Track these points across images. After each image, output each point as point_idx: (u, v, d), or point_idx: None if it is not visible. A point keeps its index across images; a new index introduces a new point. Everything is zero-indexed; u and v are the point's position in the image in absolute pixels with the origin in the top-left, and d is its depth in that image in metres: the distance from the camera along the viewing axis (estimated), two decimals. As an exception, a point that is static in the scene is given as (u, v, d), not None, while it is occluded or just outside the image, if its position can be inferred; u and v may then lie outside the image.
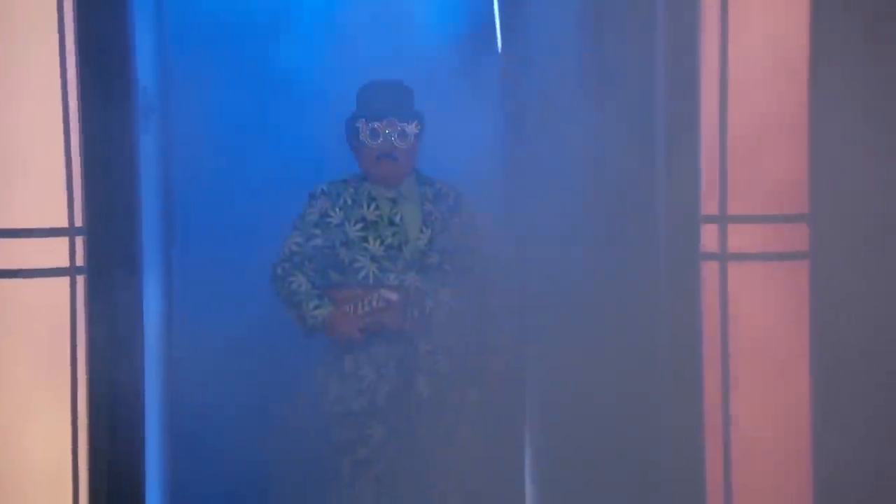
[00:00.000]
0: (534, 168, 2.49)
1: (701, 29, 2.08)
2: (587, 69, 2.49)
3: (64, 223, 2.02)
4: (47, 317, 2.03)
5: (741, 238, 2.05)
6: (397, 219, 2.56)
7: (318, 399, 2.59)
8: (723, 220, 2.05)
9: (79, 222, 2.03)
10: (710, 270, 2.05)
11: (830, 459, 2.00)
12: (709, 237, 2.05)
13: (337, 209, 2.56)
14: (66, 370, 2.04)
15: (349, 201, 2.56)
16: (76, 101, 2.02)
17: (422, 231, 2.57)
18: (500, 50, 2.88)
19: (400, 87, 2.61)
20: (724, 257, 2.04)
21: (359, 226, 2.54)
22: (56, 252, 2.04)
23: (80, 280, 2.09)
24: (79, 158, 2.03)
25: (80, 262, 2.08)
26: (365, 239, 2.54)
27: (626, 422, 2.24)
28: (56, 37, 2.01)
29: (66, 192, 1.99)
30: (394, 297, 2.50)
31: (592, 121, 2.42)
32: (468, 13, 3.00)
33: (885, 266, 2.12)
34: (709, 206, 2.07)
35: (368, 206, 2.56)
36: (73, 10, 2.03)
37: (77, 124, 2.03)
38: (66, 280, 2.06)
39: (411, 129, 2.53)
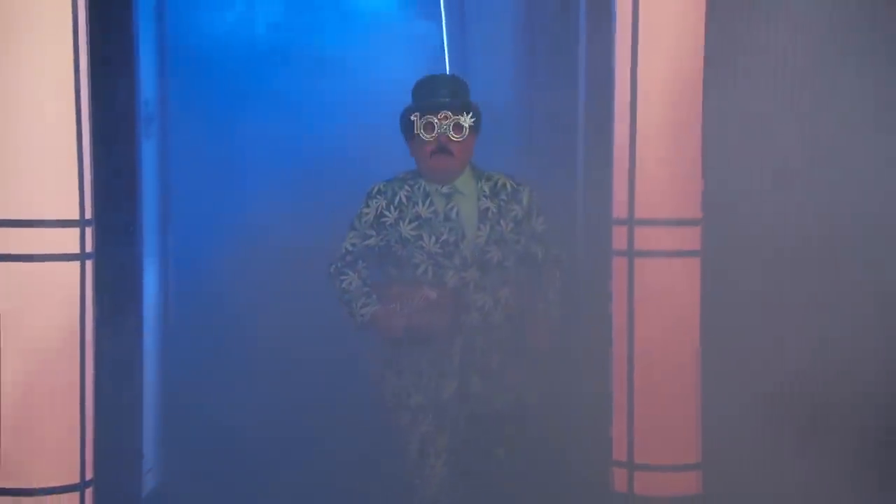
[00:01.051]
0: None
1: (615, 51, 2.35)
2: (519, 84, 2.82)
3: (75, 216, 2.30)
4: (59, 295, 2.29)
5: (646, 238, 2.31)
6: (453, 214, 2.44)
7: (377, 389, 2.54)
8: (630, 222, 2.32)
9: (88, 215, 2.31)
10: (619, 264, 2.33)
11: (716, 409, 2.31)
12: (618, 238, 2.32)
13: (392, 208, 2.46)
14: (76, 341, 2.32)
15: (404, 199, 2.45)
16: (87, 112, 2.31)
17: (479, 228, 2.43)
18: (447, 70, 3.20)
19: (455, 79, 2.55)
20: (630, 254, 2.31)
21: (413, 224, 2.43)
22: (68, 240, 2.32)
23: (89, 264, 2.37)
24: (89, 161, 2.32)
25: (88, 249, 2.36)
26: (419, 237, 2.43)
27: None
28: (71, 55, 2.28)
29: (77, 189, 2.27)
30: (433, 295, 2.39)
31: (525, 132, 2.77)
32: (423, 40, 3.35)
33: (767, 263, 2.42)
34: (619, 210, 2.33)
35: (423, 203, 2.44)
36: (86, 34, 2.31)
37: (88, 133, 2.32)
38: (76, 264, 2.34)
39: (466, 120, 2.39)
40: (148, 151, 3.01)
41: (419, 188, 2.45)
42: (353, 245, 2.48)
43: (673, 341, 2.29)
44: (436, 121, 2.38)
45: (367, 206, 2.48)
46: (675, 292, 2.34)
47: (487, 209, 2.45)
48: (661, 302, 2.32)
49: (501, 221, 2.45)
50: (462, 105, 2.41)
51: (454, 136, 2.39)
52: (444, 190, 2.45)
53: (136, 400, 2.69)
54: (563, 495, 2.67)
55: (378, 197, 2.47)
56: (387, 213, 2.45)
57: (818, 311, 2.41)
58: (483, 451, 2.49)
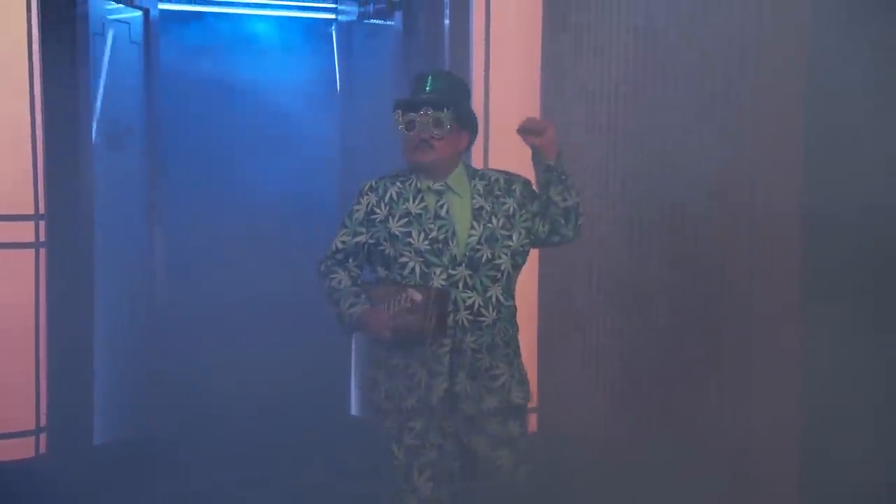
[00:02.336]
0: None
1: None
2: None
3: (31, 211, 2.77)
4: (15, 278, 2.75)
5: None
6: (443, 212, 2.26)
7: (368, 391, 2.37)
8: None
9: (42, 211, 2.79)
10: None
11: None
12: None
13: (382, 205, 2.28)
14: (31, 315, 2.80)
15: (395, 196, 2.28)
16: (41, 134, 2.79)
17: (472, 227, 2.26)
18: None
19: (445, 76, 2.40)
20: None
21: (402, 221, 2.26)
22: (24, 232, 2.79)
23: (42, 251, 2.84)
24: (42, 170, 2.80)
25: (42, 238, 2.83)
26: (408, 234, 2.24)
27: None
28: (27, 75, 2.76)
29: (32, 188, 2.75)
30: (418, 297, 2.18)
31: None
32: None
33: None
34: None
35: (414, 200, 2.27)
36: (41, 66, 2.82)
37: (41, 148, 2.80)
38: (31, 251, 2.81)
39: (446, 116, 2.23)
40: (128, 158, 3.52)
41: (410, 185, 2.28)
42: (344, 243, 2.31)
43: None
44: (416, 117, 2.23)
45: (359, 202, 2.31)
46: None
47: (481, 208, 2.27)
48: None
49: (493, 219, 2.27)
50: (443, 101, 2.24)
51: (435, 132, 2.23)
52: (437, 187, 2.27)
53: (87, 362, 3.14)
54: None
55: (369, 194, 2.30)
56: (377, 209, 2.28)
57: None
58: (485, 459, 2.29)
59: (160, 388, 3.65)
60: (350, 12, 3.70)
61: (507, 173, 2.34)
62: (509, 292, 2.29)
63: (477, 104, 2.85)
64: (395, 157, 3.20)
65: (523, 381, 2.32)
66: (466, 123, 2.29)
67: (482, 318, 2.25)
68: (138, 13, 3.55)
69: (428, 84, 2.29)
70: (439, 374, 2.24)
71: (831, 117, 2.76)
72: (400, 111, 2.25)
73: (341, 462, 3.48)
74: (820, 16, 2.78)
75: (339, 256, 2.32)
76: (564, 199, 2.30)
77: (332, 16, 4.06)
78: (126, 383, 3.51)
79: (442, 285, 2.21)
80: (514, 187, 2.31)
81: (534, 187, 2.32)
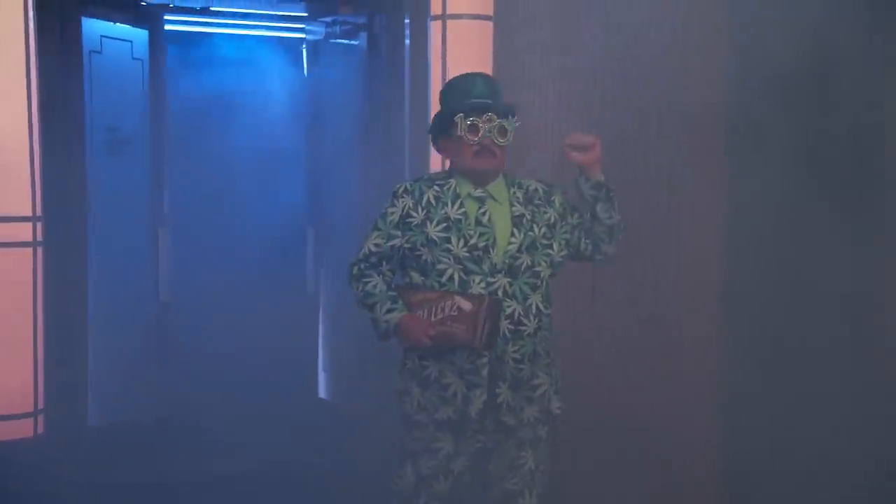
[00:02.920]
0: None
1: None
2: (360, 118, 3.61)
3: (29, 213, 3.05)
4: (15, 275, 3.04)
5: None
6: (485, 219, 2.17)
7: (399, 402, 2.24)
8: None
9: (39, 213, 3.07)
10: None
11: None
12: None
13: (420, 208, 2.18)
14: (30, 308, 3.09)
15: (432, 200, 2.18)
16: (38, 142, 3.05)
17: (513, 234, 2.17)
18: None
19: (495, 80, 2.34)
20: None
21: (441, 226, 2.15)
22: (24, 231, 3.05)
23: (40, 250, 3.10)
24: (39, 175, 3.06)
25: (39, 238, 3.09)
26: (447, 240, 2.14)
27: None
28: (24, 85, 3.02)
29: (30, 192, 3.05)
30: (468, 306, 2.07)
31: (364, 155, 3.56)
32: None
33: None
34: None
35: (453, 205, 2.18)
36: (37, 76, 3.07)
37: (39, 155, 3.07)
38: (30, 249, 3.07)
39: (510, 125, 2.18)
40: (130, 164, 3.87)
41: (449, 189, 2.20)
42: (377, 246, 2.21)
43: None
44: (480, 123, 2.16)
45: (393, 205, 2.21)
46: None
47: (522, 216, 2.20)
48: None
49: (535, 227, 2.19)
50: (507, 108, 2.20)
51: (499, 140, 2.18)
52: (477, 193, 2.20)
53: (82, 351, 3.42)
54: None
55: (405, 196, 2.20)
56: (413, 213, 2.18)
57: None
58: (508, 459, 2.22)
59: (153, 376, 3.94)
60: (318, 32, 3.99)
61: (544, 183, 2.30)
62: (548, 300, 2.22)
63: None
64: (359, 166, 3.49)
65: (560, 391, 2.25)
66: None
67: (523, 328, 2.16)
68: (142, 32, 3.89)
69: (483, 88, 2.20)
70: (478, 385, 2.15)
71: (750, 110, 3.05)
72: (462, 115, 2.16)
73: (312, 441, 3.77)
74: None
75: (373, 260, 2.22)
76: (610, 217, 2.26)
77: (302, 35, 4.40)
78: (119, 371, 3.78)
79: (481, 293, 2.12)
80: (553, 198, 2.26)
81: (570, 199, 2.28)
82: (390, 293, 2.20)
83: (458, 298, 2.10)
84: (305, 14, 4.21)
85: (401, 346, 2.23)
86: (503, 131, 2.19)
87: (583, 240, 2.29)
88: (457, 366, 2.16)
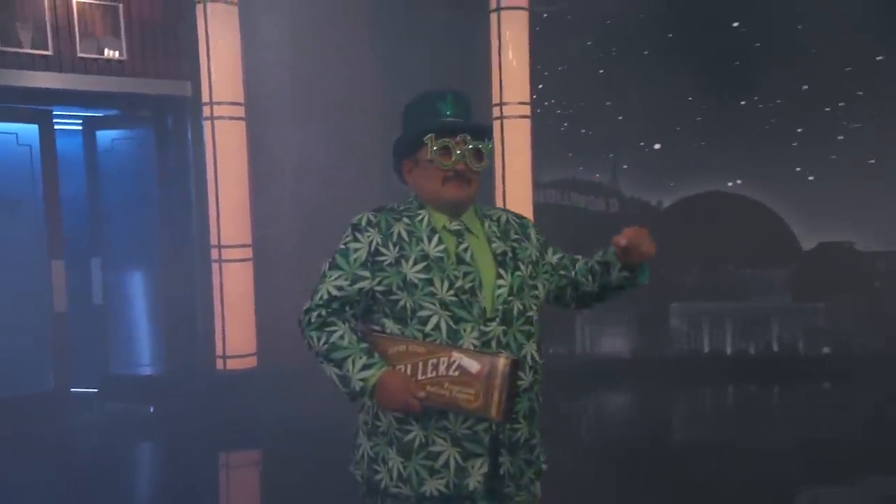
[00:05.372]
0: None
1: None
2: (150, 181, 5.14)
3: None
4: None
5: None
6: (467, 256, 1.79)
7: (369, 471, 1.81)
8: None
9: None
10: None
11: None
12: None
13: (390, 244, 1.78)
14: None
15: (405, 235, 1.79)
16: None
17: (500, 276, 1.80)
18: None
19: (466, 97, 1.90)
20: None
21: (420, 266, 1.76)
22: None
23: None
24: None
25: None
26: (429, 282, 1.75)
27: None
28: None
29: None
30: (474, 366, 1.63)
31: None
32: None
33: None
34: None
35: (430, 241, 1.79)
36: None
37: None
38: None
39: (486, 147, 1.82)
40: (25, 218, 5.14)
41: (422, 222, 1.81)
42: (340, 289, 1.77)
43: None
44: (453, 145, 1.78)
45: (356, 240, 1.79)
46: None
47: (505, 253, 1.83)
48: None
49: (520, 265, 1.84)
50: (483, 128, 1.84)
51: (475, 165, 1.80)
52: (453, 226, 1.82)
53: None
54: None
55: (370, 230, 1.79)
56: (384, 249, 1.77)
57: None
58: None
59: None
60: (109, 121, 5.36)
61: (514, 213, 1.97)
62: (540, 349, 1.86)
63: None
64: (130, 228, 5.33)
65: (542, 442, 1.91)
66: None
67: (520, 382, 1.75)
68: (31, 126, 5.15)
69: (455, 106, 1.83)
70: (477, 455, 1.75)
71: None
72: (433, 135, 1.79)
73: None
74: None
75: (335, 305, 1.78)
76: (615, 298, 1.95)
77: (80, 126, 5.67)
78: None
79: (474, 345, 1.73)
80: (529, 231, 1.93)
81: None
82: (362, 345, 1.77)
83: (458, 355, 1.66)
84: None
85: (371, 403, 1.80)
86: (479, 155, 1.82)
87: (568, 290, 1.95)
88: (450, 431, 1.75)
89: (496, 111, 5.31)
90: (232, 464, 4.76)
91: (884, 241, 6.77)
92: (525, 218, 1.98)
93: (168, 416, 5.10)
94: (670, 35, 6.75)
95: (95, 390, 5.39)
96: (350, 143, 5.29)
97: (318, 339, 1.79)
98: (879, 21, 5.98)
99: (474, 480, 1.75)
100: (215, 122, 4.99)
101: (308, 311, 1.82)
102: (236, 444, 4.79)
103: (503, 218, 1.92)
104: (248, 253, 5.12)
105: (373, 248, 1.78)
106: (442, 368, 1.64)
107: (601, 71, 6.94)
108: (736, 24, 6.93)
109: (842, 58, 6.61)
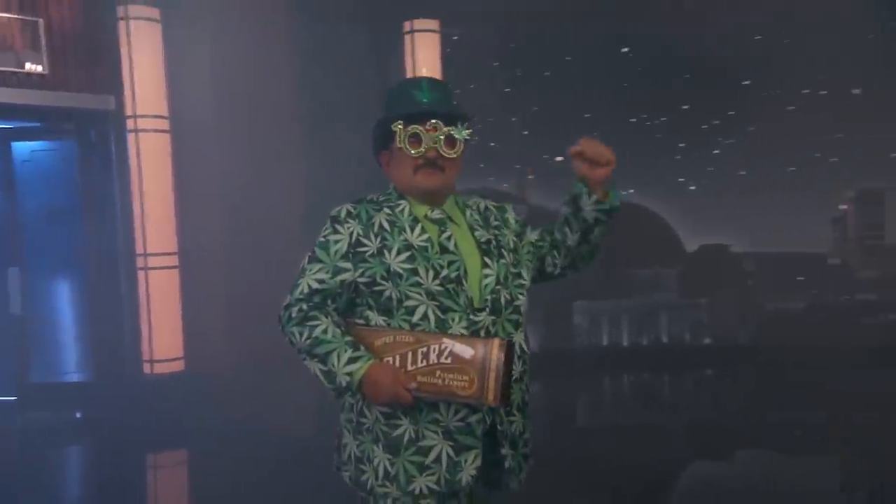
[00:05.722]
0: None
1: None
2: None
3: None
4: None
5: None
6: (451, 245, 1.71)
7: (355, 470, 1.71)
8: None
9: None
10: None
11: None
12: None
13: (372, 235, 1.69)
14: None
15: (386, 225, 1.70)
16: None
17: (486, 264, 1.71)
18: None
19: (443, 83, 1.82)
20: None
21: (404, 255, 1.67)
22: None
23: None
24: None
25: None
26: (414, 272, 1.66)
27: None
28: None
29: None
30: (467, 352, 1.55)
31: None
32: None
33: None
34: None
35: (412, 230, 1.70)
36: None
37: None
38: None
39: (460, 133, 1.71)
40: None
41: (403, 212, 1.72)
42: (321, 282, 1.69)
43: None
44: (423, 131, 1.69)
45: (336, 231, 1.71)
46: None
47: (489, 241, 1.76)
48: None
49: (504, 253, 1.76)
50: (455, 113, 1.74)
51: (446, 152, 1.71)
52: (435, 215, 1.74)
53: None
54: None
55: (350, 221, 1.71)
56: (366, 240, 1.69)
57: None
58: None
59: None
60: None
61: (491, 201, 1.89)
62: (527, 339, 1.78)
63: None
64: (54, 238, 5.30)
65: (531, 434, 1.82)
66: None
67: (512, 372, 1.67)
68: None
69: (429, 92, 1.73)
70: (470, 447, 1.65)
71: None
72: (402, 123, 1.71)
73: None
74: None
75: (317, 299, 1.69)
76: (598, 239, 1.81)
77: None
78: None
79: (462, 334, 1.65)
80: (507, 216, 1.86)
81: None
82: (347, 338, 1.69)
83: (449, 342, 1.58)
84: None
85: (354, 400, 1.71)
86: (452, 142, 1.72)
87: (547, 259, 1.86)
88: (441, 424, 1.65)
89: (412, 126, 5.53)
90: (159, 465, 4.72)
91: (755, 243, 7.37)
92: (502, 203, 1.90)
93: (94, 420, 5.07)
94: (568, 58, 7.14)
95: (13, 398, 5.27)
96: (272, 152, 5.36)
97: (300, 335, 1.69)
98: (746, 49, 6.53)
99: (467, 474, 1.64)
100: (139, 134, 4.97)
101: (288, 306, 1.73)
102: (163, 445, 4.84)
103: (482, 206, 1.86)
104: (175, 260, 5.19)
105: (354, 238, 1.71)
106: (433, 357, 1.56)
107: (507, 89, 7.26)
108: (625, 50, 7.42)
109: (715, 81, 7.19)
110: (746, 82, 7.41)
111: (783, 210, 7.05)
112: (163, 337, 5.09)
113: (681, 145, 7.75)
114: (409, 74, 5.57)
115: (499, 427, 1.69)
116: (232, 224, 5.35)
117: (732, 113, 7.54)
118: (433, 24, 5.55)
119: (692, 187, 7.66)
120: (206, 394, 4.91)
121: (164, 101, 5.13)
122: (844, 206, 7.68)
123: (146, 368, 5.08)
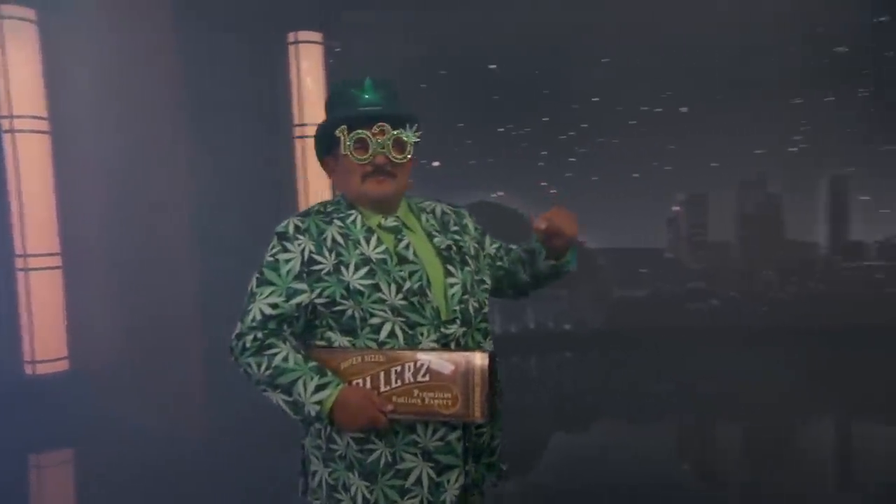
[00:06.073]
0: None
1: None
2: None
3: None
4: None
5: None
6: (410, 254, 1.56)
7: (328, 499, 1.56)
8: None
9: None
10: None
11: None
12: None
13: (325, 251, 1.53)
14: None
15: (339, 239, 1.55)
16: None
17: (449, 273, 1.58)
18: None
19: (388, 82, 1.64)
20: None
21: (362, 271, 1.52)
22: None
23: None
24: None
25: None
26: (376, 287, 1.52)
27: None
28: None
29: None
30: (447, 367, 1.42)
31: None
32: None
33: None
34: None
35: (368, 242, 1.55)
36: None
37: None
38: None
39: (409, 136, 1.57)
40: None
41: (356, 223, 1.58)
42: (275, 306, 1.52)
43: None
44: (369, 136, 1.55)
45: (286, 250, 1.54)
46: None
47: (449, 247, 1.63)
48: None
49: (469, 260, 1.63)
50: (402, 115, 1.59)
51: (395, 157, 1.57)
52: (389, 223, 1.60)
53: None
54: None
55: (300, 237, 1.54)
56: (319, 257, 1.53)
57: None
58: None
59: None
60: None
61: (447, 204, 1.76)
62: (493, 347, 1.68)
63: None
64: None
65: (502, 444, 1.72)
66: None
67: (495, 385, 1.57)
68: None
69: (373, 93, 1.58)
70: (452, 467, 1.54)
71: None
72: (345, 128, 1.56)
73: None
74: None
75: (272, 325, 1.53)
76: (550, 283, 1.75)
77: None
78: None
79: (433, 348, 1.52)
80: (465, 222, 1.73)
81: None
82: (310, 364, 1.52)
83: (425, 358, 1.45)
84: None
85: (322, 426, 1.55)
86: (401, 145, 1.59)
87: (505, 280, 1.77)
88: (420, 446, 1.53)
89: (297, 131, 5.58)
90: (42, 464, 4.53)
91: (605, 241, 8.07)
92: (460, 208, 1.77)
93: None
94: (443, 72, 7.47)
95: None
96: (157, 151, 5.27)
97: (258, 366, 1.50)
98: (595, 71, 7.18)
99: (451, 494, 1.52)
100: (16, 135, 4.72)
101: (240, 335, 1.54)
102: (45, 446, 4.68)
103: (438, 210, 1.71)
104: (57, 261, 5.05)
105: (306, 256, 1.53)
106: (408, 375, 1.41)
107: (387, 99, 7.47)
108: (493, 66, 7.87)
109: (571, 98, 7.85)
110: (596, 99, 8.15)
111: (628, 211, 7.79)
112: (45, 337, 4.94)
113: (543, 153, 8.37)
114: (293, 82, 5.72)
115: (465, 443, 1.55)
116: (116, 223, 5.21)
117: (585, 126, 8.29)
118: (316, 35, 5.75)
119: (552, 190, 8.27)
120: (91, 393, 4.81)
121: (42, 102, 4.93)
122: (677, 208, 8.71)
123: (27, 369, 4.91)
